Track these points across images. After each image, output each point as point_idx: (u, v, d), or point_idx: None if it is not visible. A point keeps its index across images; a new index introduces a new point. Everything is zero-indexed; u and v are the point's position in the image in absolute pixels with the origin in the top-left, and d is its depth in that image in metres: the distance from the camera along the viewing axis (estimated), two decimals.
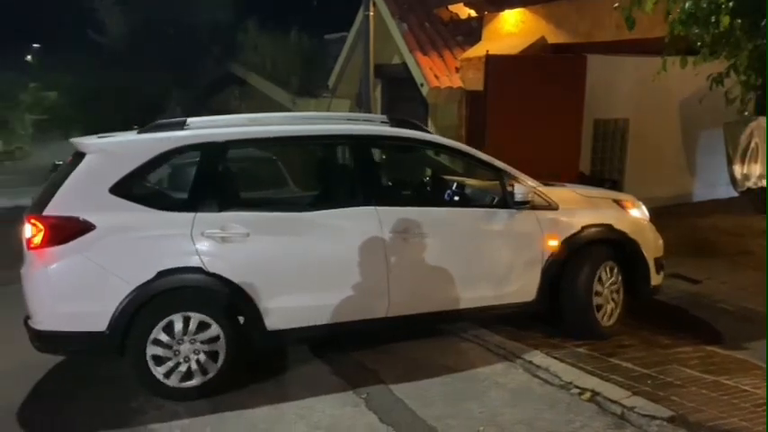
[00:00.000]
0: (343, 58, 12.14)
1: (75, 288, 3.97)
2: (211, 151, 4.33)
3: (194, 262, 4.05)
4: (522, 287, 4.82)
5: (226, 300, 4.13)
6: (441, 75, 9.45)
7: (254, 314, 4.18)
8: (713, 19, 4.25)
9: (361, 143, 4.73)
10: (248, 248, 4.16)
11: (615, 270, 5.03)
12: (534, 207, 4.81)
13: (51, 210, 3.97)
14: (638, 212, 5.32)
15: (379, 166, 5.11)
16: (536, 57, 8.85)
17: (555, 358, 4.48)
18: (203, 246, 4.07)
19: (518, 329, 5.05)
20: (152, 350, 4.04)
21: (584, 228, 4.89)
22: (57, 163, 27.98)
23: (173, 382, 4.10)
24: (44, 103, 28.88)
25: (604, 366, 4.36)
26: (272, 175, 5.11)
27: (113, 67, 19.82)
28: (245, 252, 4.16)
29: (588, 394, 3.94)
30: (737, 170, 8.83)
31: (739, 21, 4.16)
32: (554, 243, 4.83)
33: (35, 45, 33.90)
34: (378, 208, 4.46)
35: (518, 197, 4.70)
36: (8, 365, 4.73)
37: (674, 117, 9.63)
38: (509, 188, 4.73)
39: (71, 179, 4.08)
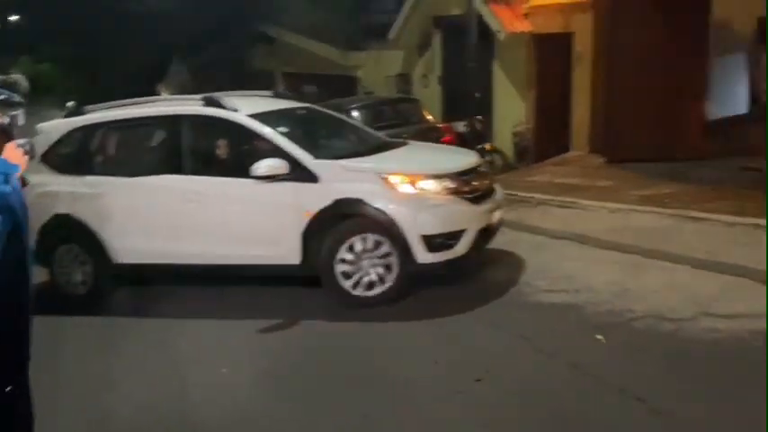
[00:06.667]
0: (408, 10, 13.15)
1: None
2: (85, 131, 6.19)
3: (69, 210, 5.86)
4: (289, 251, 5.34)
5: (86, 238, 5.85)
6: (512, 22, 11.00)
7: (104, 250, 5.84)
8: None
9: (169, 121, 6.01)
10: (99, 203, 5.84)
11: (381, 243, 5.20)
12: (295, 179, 5.30)
13: None
14: (411, 187, 5.23)
15: (186, 140, 5.88)
16: None
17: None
18: (76, 199, 5.88)
19: None
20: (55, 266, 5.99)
21: (335, 201, 5.22)
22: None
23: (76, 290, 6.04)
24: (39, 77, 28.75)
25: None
26: (126, 147, 6.59)
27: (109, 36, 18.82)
28: (97, 205, 5.83)
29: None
30: None
31: None
32: (310, 213, 5.26)
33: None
34: (178, 176, 5.70)
35: (256, 171, 5.26)
36: None
37: None
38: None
39: None
